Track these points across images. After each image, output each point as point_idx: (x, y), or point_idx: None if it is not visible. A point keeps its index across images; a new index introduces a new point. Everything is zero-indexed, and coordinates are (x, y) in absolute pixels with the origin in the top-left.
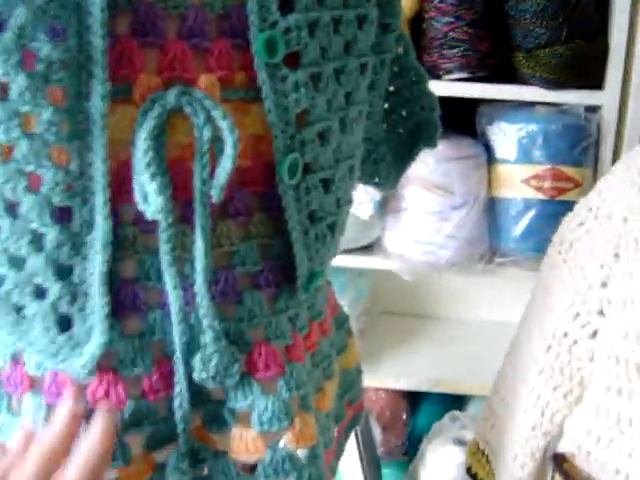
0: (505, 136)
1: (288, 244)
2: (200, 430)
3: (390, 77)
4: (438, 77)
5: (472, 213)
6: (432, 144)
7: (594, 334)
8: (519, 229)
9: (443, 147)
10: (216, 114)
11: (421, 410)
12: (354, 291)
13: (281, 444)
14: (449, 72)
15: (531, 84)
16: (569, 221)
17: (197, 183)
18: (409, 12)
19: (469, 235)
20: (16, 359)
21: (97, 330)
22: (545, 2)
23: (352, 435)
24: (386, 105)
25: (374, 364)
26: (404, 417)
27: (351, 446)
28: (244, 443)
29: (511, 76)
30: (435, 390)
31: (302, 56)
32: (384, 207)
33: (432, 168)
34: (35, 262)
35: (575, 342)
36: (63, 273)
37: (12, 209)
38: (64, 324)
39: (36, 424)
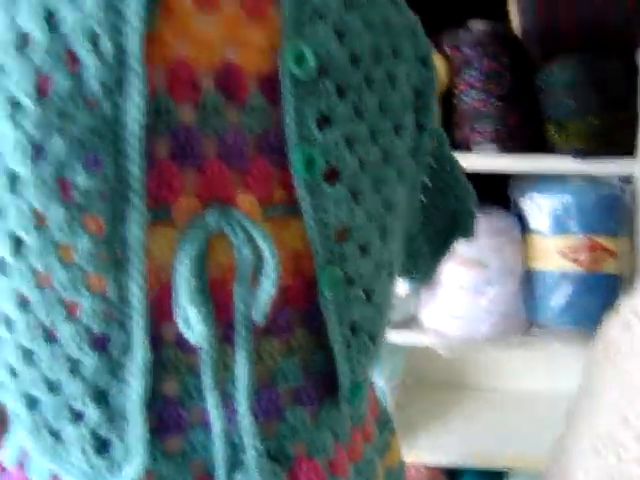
0: (539, 208)
1: (330, 357)
2: None
3: (425, 169)
4: (470, 150)
5: (508, 286)
6: (468, 234)
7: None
8: (556, 301)
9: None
10: (256, 234)
11: None
12: (390, 364)
13: None
14: (480, 145)
15: (563, 155)
16: (614, 322)
17: (239, 305)
18: (440, 87)
19: (505, 309)
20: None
21: (137, 452)
22: (573, 74)
23: None
24: (422, 197)
25: (411, 439)
26: None
27: None
28: None
29: (543, 147)
30: (473, 464)
31: (341, 171)
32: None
33: (466, 243)
34: (73, 387)
35: (623, 446)
36: (101, 397)
37: (51, 336)
38: (102, 446)
39: None
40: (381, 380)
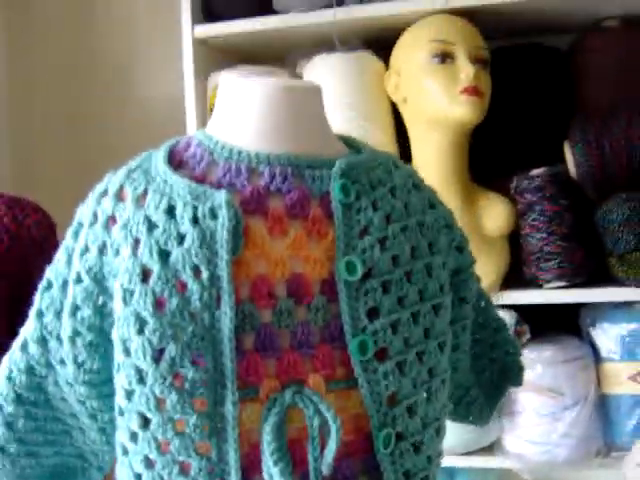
0: (608, 336)
1: None
2: None
3: (476, 327)
4: (539, 286)
5: (584, 412)
6: (518, 383)
7: None
8: (631, 423)
9: (551, 352)
10: (322, 407)
11: None
12: None
13: None
14: (548, 282)
15: (627, 286)
16: None
17: (311, 460)
18: (507, 229)
19: (583, 433)
20: None
21: None
22: (630, 211)
23: None
24: (474, 351)
25: None
26: None
27: None
28: None
29: (608, 278)
30: None
31: (388, 350)
32: (500, 410)
33: (542, 372)
34: None
35: None
36: None
37: None
38: None
39: None
40: None
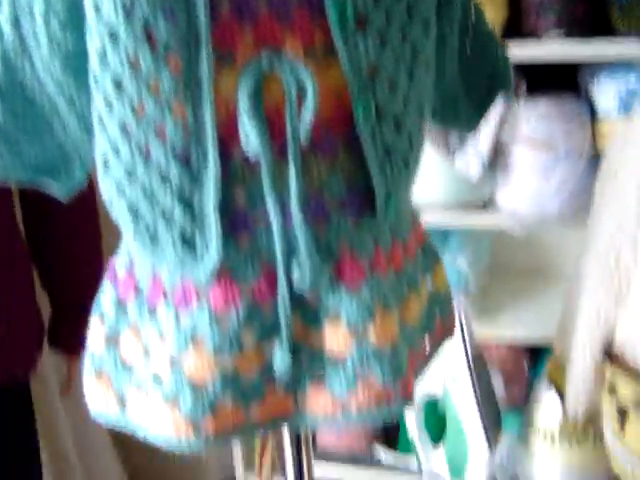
0: (607, 92)
1: (369, 178)
2: (300, 330)
3: (464, 30)
4: (538, 37)
5: (577, 167)
6: (507, 87)
7: (635, 242)
8: None
9: (546, 106)
10: (300, 71)
11: (542, 360)
12: (473, 251)
13: (366, 339)
14: (547, 31)
15: (627, 37)
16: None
17: (289, 125)
18: None
19: (575, 188)
20: (155, 274)
21: (214, 246)
22: None
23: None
24: (462, 55)
25: (493, 320)
26: (525, 369)
27: (468, 391)
28: (335, 338)
29: (609, 32)
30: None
31: (369, 19)
32: (493, 166)
33: (536, 125)
34: (164, 196)
35: (619, 250)
36: (186, 202)
37: (146, 155)
38: (188, 243)
39: (168, 328)
40: (464, 263)
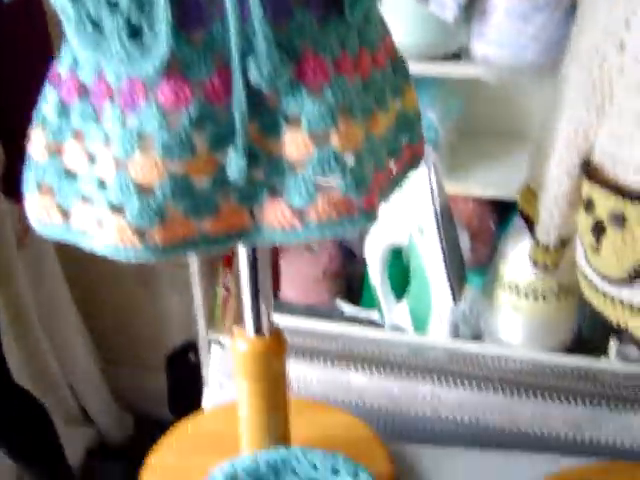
0: None
1: None
2: (257, 137)
3: None
4: None
5: (555, 15)
6: None
7: (622, 46)
8: None
9: None
10: None
11: (509, 221)
12: (444, 106)
13: (328, 144)
14: None
15: None
16: None
17: None
18: None
19: (551, 37)
20: (100, 73)
21: (163, 37)
22: None
23: (435, 232)
24: None
25: (463, 175)
26: (492, 227)
27: (434, 243)
28: (295, 143)
29: None
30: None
31: None
32: (469, 11)
33: None
34: None
35: (604, 56)
36: None
37: None
38: (135, 33)
39: (114, 131)
40: (434, 118)
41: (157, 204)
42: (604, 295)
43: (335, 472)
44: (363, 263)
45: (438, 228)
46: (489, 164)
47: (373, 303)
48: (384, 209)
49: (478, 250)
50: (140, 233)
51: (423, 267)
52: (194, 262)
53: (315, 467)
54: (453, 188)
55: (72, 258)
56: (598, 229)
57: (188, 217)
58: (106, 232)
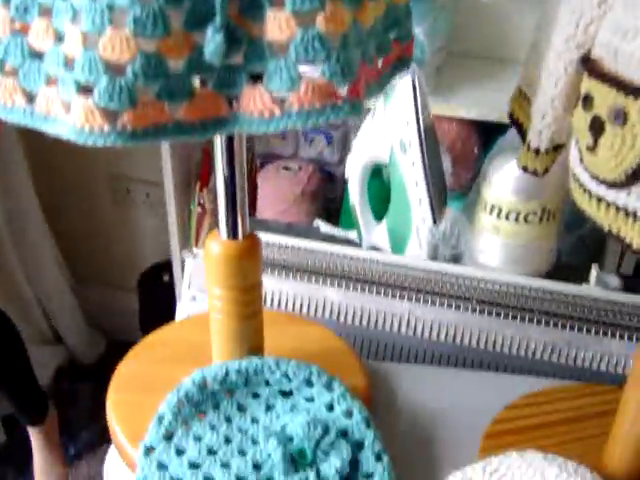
0: None
1: None
2: (237, 16)
3: None
4: None
5: None
6: None
7: None
8: None
9: None
10: None
11: (492, 146)
12: (433, 25)
13: (313, 25)
14: None
15: None
16: None
17: None
18: None
19: None
20: None
21: None
22: None
23: (418, 150)
24: None
25: (448, 95)
26: (475, 151)
27: (417, 160)
28: (278, 23)
29: None
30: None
31: None
32: None
33: None
34: None
35: None
36: None
37: None
38: None
39: (83, 4)
40: (421, 34)
41: (127, 84)
42: (598, 200)
43: (309, 383)
44: (342, 186)
45: (421, 144)
46: (475, 86)
47: (351, 226)
48: (367, 123)
49: (460, 175)
50: (109, 115)
51: (404, 185)
52: (169, 180)
53: (288, 378)
54: (437, 108)
55: (43, 171)
56: (596, 127)
57: (161, 100)
58: (73, 115)
